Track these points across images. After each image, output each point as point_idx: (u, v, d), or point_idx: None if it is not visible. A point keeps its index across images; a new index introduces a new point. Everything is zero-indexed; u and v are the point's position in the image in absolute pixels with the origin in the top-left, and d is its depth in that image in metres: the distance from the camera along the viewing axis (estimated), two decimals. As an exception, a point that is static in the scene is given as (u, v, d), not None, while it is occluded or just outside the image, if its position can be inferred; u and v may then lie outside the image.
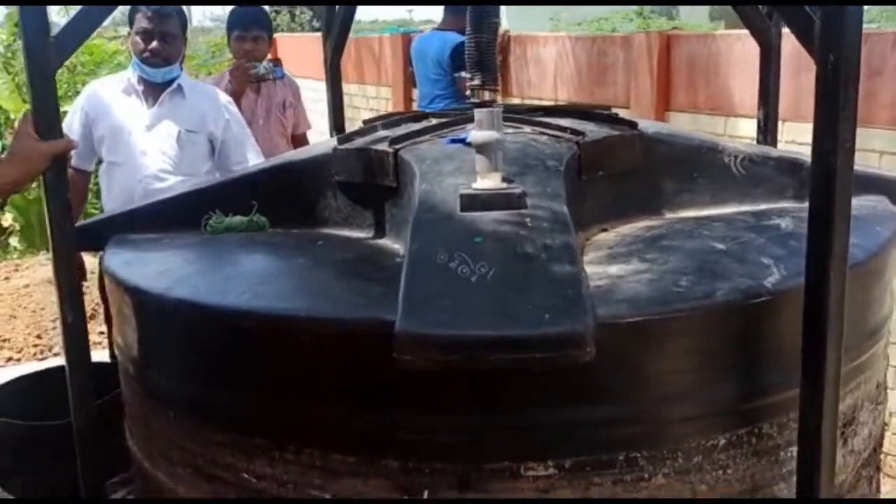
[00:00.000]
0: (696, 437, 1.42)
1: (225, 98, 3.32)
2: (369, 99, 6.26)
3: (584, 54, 4.24)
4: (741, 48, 3.51)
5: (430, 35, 4.90)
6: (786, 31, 2.43)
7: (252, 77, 3.78)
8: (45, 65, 1.76)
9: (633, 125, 1.95)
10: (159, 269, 1.72)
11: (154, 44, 3.01)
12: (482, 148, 1.56)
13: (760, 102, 2.58)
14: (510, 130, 1.90)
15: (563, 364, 1.22)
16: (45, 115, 1.79)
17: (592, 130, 1.88)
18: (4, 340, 4.45)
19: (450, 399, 1.35)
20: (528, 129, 1.92)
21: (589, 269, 1.50)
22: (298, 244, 1.88)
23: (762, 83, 2.56)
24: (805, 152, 1.70)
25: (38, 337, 4.51)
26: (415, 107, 5.50)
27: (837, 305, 1.32)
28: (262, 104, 3.99)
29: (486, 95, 2.04)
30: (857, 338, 1.59)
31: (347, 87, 6.68)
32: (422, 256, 1.40)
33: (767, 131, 2.58)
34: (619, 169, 1.87)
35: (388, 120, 2.15)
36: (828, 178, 1.28)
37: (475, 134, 1.57)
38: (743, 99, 3.53)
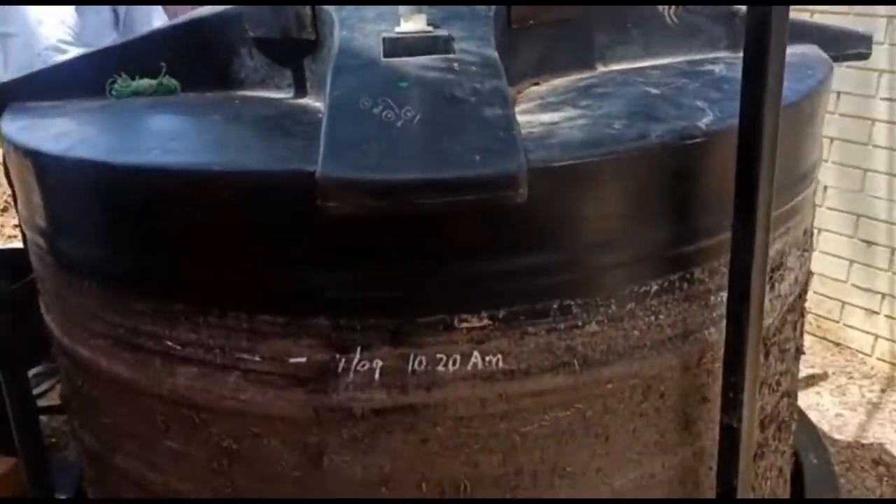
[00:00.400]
0: (629, 283, 1.40)
1: (127, -39, 3.07)
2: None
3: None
4: None
5: None
6: None
7: None
8: None
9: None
10: (60, 131, 1.58)
11: None
12: (404, -12, 1.45)
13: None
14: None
15: (495, 206, 1.17)
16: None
17: (522, -24, 1.78)
18: None
19: (378, 252, 1.30)
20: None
21: (520, 118, 1.44)
22: (212, 104, 1.76)
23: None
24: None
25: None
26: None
27: (770, 142, 1.29)
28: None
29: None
30: (788, 182, 1.59)
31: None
32: (343, 102, 1.31)
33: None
34: (550, 18, 1.78)
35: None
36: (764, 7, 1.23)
37: (395, -27, 1.45)
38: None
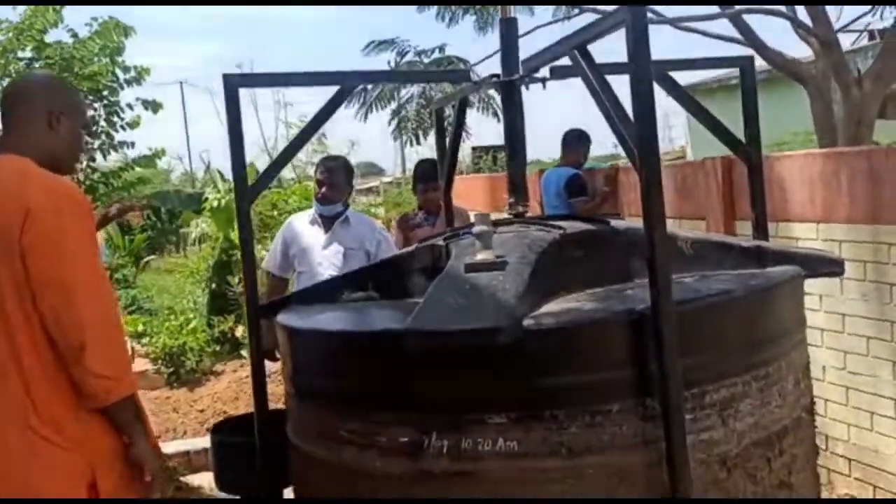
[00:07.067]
0: (597, 403, 2.28)
1: (380, 225, 4.63)
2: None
3: (672, 178, 5.14)
4: (780, 167, 4.28)
5: (552, 171, 6.03)
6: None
7: (411, 226, 5.09)
8: (241, 203, 3.06)
9: (608, 223, 2.89)
10: (304, 316, 2.88)
11: (324, 189, 4.38)
12: (479, 236, 2.59)
13: (752, 207, 3.40)
14: (524, 228, 2.92)
15: (491, 345, 2.18)
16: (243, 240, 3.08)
17: (576, 227, 2.85)
18: (228, 414, 5.88)
19: (443, 374, 2.34)
20: (534, 227, 2.92)
21: (550, 305, 2.47)
22: (391, 305, 2.98)
23: (752, 193, 3.39)
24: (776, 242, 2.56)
25: (253, 414, 5.89)
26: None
27: (667, 317, 2.18)
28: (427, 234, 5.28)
29: (520, 208, 3.11)
30: (735, 348, 2.39)
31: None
32: (432, 296, 2.44)
33: (759, 228, 3.38)
34: (593, 250, 2.80)
35: (458, 229, 3.26)
36: (651, 245, 2.20)
37: (475, 229, 2.61)
38: (792, 206, 4.26)
